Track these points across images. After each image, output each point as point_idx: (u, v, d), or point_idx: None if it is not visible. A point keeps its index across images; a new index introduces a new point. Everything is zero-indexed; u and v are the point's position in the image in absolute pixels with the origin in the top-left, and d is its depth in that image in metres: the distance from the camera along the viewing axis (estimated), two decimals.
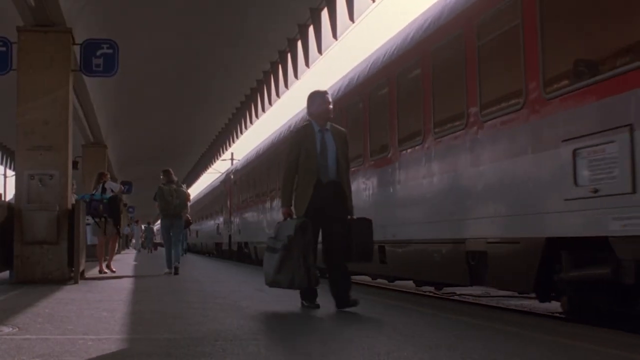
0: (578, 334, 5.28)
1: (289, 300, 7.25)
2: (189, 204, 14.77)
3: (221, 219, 29.95)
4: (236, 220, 25.52)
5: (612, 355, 4.29)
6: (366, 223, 6.89)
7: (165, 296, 8.53)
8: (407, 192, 9.78)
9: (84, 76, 14.16)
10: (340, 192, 6.69)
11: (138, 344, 4.61)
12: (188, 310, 6.65)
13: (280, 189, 7.02)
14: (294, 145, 6.87)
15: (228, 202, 27.80)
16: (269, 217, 18.94)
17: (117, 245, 15.55)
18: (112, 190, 13.30)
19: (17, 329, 5.26)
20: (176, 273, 13.10)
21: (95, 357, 4.07)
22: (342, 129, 7.17)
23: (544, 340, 4.89)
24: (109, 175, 14.07)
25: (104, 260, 13.85)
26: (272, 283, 6.71)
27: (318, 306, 6.73)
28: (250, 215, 22.44)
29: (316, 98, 6.96)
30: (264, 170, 20.60)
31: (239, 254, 24.79)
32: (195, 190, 53.63)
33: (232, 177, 27.68)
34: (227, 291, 9.16)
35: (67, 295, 8.54)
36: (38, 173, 10.86)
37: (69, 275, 10.89)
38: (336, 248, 6.65)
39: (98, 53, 11.67)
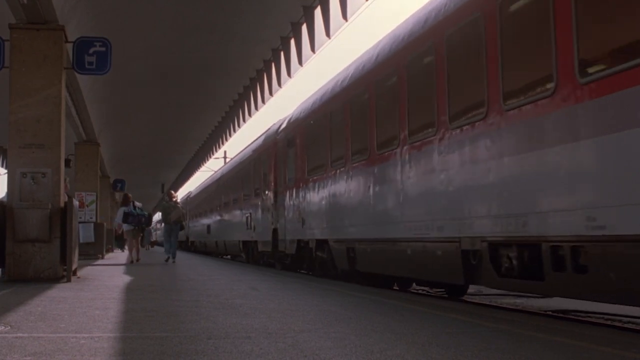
0: (573, 332, 5.29)
1: (283, 298, 7.25)
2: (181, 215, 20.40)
3: (254, 208, 20.35)
4: (293, 204, 15.36)
5: (607, 353, 4.30)
6: None
7: (158, 294, 8.50)
8: None
9: (77, 74, 14.15)
10: None
11: (131, 342, 4.60)
12: (181, 309, 6.64)
13: None
14: None
15: (272, 178, 17.79)
16: (407, 183, 9.27)
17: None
18: (139, 208, 18.95)
19: (9, 327, 5.23)
20: (173, 261, 19.22)
21: (87, 356, 4.06)
22: None
23: (537, 338, 4.90)
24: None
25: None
26: None
27: None
28: (336, 193, 12.26)
29: None
30: (376, 103, 10.43)
31: (296, 259, 15.66)
32: (188, 188, 53.42)
33: (282, 135, 16.84)
34: (221, 289, 9.15)
35: (60, 293, 8.52)
36: (30, 171, 10.84)
37: (62, 273, 10.86)
38: None
39: (91, 51, 11.66)
